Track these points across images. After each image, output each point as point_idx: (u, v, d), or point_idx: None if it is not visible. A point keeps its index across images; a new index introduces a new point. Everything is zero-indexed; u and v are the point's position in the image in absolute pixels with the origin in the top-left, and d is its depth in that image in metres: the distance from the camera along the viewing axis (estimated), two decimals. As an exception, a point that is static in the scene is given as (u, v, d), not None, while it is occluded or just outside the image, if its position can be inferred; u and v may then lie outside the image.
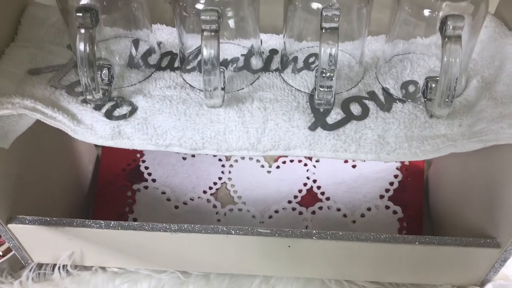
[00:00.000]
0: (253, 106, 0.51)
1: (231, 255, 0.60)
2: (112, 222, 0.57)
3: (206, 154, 0.82)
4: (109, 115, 0.50)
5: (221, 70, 0.48)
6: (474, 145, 0.46)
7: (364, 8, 0.49)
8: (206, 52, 0.45)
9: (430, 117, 0.48)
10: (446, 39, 0.43)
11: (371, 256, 0.58)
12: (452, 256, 0.56)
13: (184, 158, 0.82)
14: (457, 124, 0.48)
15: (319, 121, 0.49)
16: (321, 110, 0.50)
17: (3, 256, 0.63)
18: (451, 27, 0.43)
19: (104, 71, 0.50)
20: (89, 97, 0.48)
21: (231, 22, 0.52)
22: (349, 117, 0.50)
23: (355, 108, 0.50)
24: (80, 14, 0.45)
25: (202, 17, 0.45)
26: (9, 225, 0.57)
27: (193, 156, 0.83)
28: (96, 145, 0.80)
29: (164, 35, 0.59)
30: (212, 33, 0.45)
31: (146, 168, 0.80)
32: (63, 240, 0.59)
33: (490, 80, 0.51)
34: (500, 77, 0.50)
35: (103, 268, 0.64)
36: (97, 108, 0.51)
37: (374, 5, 0.50)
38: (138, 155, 0.81)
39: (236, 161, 0.82)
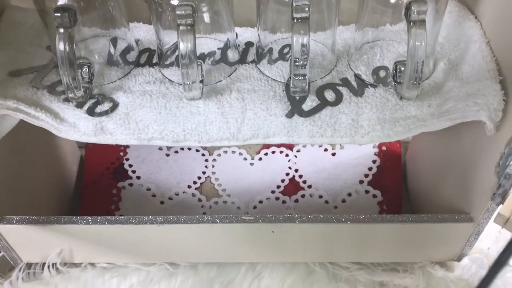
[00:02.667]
0: (231, 97, 0.52)
1: (217, 244, 0.62)
2: (99, 218, 0.58)
3: (189, 149, 0.84)
4: (91, 112, 0.51)
5: (199, 63, 0.50)
6: (443, 123, 0.49)
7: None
8: (183, 46, 0.47)
9: (400, 99, 0.51)
10: (411, 24, 0.46)
11: (352, 237, 0.60)
12: (429, 233, 0.59)
13: (168, 155, 0.83)
14: (426, 105, 0.51)
15: (295, 108, 0.51)
16: (297, 98, 0.52)
17: (-8, 257, 0.64)
18: (415, 12, 0.45)
19: (84, 69, 0.52)
20: (70, 95, 0.50)
21: (206, 17, 0.53)
22: (324, 103, 0.52)
23: (329, 95, 0.52)
24: (59, 14, 0.46)
25: (177, 12, 0.46)
26: (-3, 226, 0.58)
27: (176, 152, 0.84)
28: (79, 146, 0.81)
29: (141, 33, 0.60)
30: (188, 28, 0.47)
31: (130, 165, 0.81)
32: (51, 239, 0.60)
33: (456, 62, 0.53)
34: (466, 59, 0.53)
35: (92, 264, 0.65)
36: (79, 105, 0.52)
37: None
38: (122, 154, 0.82)
39: (219, 155, 0.84)
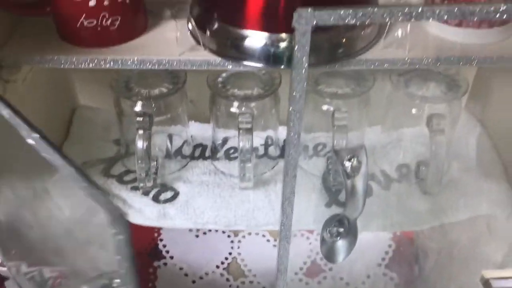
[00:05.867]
0: (277, 187, 0.61)
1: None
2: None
3: (216, 231, 0.91)
4: (156, 199, 0.59)
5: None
6: (458, 216, 0.57)
7: (364, 108, 0.61)
8: (242, 145, 0.56)
9: (424, 194, 0.59)
10: (433, 133, 0.55)
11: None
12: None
13: (197, 236, 0.90)
14: (444, 198, 0.59)
15: (333, 199, 0.60)
16: (334, 190, 0.60)
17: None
18: (435, 124, 0.55)
19: (153, 164, 0.60)
20: (142, 185, 0.58)
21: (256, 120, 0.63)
22: (357, 195, 0.60)
23: (361, 188, 0.61)
24: (141, 119, 0.55)
25: (240, 118, 0.55)
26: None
27: (204, 233, 0.91)
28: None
29: (193, 129, 0.69)
30: (247, 130, 0.56)
31: (164, 246, 0.87)
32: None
33: (467, 162, 0.63)
34: (475, 160, 0.62)
35: None
36: (145, 194, 0.60)
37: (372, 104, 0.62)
38: (156, 235, 0.88)
39: (243, 236, 0.90)
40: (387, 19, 0.28)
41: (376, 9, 0.30)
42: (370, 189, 0.61)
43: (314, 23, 0.31)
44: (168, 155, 0.65)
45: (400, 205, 0.59)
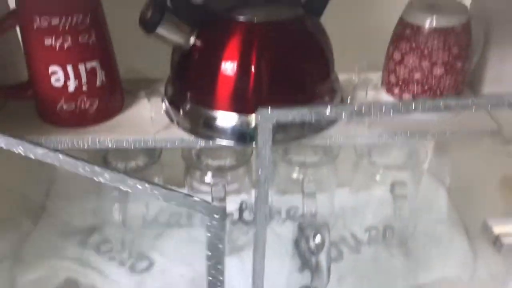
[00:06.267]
0: (251, 253, 0.63)
1: None
2: None
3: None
4: (132, 269, 0.60)
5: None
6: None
7: (332, 175, 0.65)
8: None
9: (391, 257, 0.62)
10: (396, 199, 0.59)
11: None
12: None
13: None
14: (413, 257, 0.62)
15: (305, 264, 0.62)
16: (306, 254, 0.63)
17: None
18: (397, 190, 0.59)
19: (129, 233, 0.62)
20: (118, 255, 0.59)
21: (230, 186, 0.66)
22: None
23: (332, 252, 0.63)
24: (117, 192, 0.57)
25: (213, 188, 0.58)
26: None
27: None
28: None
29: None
30: (221, 200, 0.59)
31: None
32: None
33: (431, 222, 0.66)
34: (436, 219, 0.66)
35: None
36: (121, 264, 0.61)
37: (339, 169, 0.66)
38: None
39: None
40: (338, 117, 0.31)
41: (328, 108, 0.34)
42: (340, 254, 0.63)
43: (275, 121, 0.35)
44: (144, 224, 0.66)
45: (370, 268, 0.61)
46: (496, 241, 0.46)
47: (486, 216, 0.48)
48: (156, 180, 0.64)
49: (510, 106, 0.34)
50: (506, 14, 0.53)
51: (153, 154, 0.61)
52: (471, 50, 0.53)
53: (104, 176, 0.32)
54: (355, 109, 0.34)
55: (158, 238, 0.65)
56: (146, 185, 0.32)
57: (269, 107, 0.34)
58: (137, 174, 0.60)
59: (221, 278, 0.35)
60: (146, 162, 0.61)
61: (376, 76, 0.59)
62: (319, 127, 0.52)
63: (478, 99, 0.37)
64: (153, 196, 0.32)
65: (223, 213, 0.33)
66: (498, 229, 0.47)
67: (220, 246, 0.33)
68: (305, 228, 0.44)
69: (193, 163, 0.61)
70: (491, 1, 0.56)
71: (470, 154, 0.62)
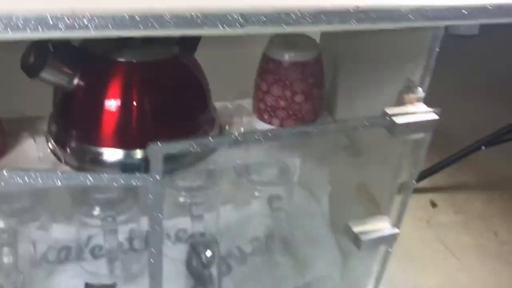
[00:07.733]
0: (145, 280, 0.65)
1: None
2: None
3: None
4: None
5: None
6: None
7: (216, 197, 0.70)
8: (108, 245, 0.60)
9: (275, 263, 0.69)
10: (272, 211, 0.66)
11: None
12: None
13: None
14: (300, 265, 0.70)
15: (198, 282, 0.66)
16: (198, 273, 0.67)
17: None
18: (274, 203, 0.66)
19: (20, 276, 0.61)
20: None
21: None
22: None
23: (222, 266, 0.69)
24: (5, 235, 0.57)
25: (103, 223, 0.60)
26: None
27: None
28: None
29: (57, 232, 0.71)
30: (111, 231, 0.61)
31: None
32: None
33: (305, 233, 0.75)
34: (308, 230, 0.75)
35: None
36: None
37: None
38: None
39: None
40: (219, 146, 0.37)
41: (210, 139, 0.40)
42: (229, 267, 0.69)
43: (165, 153, 0.39)
44: (33, 263, 0.66)
45: (259, 275, 0.68)
46: (355, 239, 0.55)
47: (349, 218, 0.57)
48: (43, 217, 0.65)
49: (355, 129, 0.43)
50: (350, 48, 0.64)
51: (39, 194, 0.61)
52: (324, 79, 0.63)
53: None
54: (233, 139, 0.40)
55: (50, 277, 0.65)
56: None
57: (159, 142, 0.39)
58: (24, 215, 0.60)
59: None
60: (31, 202, 0.61)
61: (247, 102, 0.66)
62: (203, 154, 0.58)
63: (333, 124, 0.45)
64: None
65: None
66: (357, 228, 0.56)
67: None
68: (197, 246, 0.49)
69: (80, 198, 0.63)
70: (335, 39, 0.66)
71: (332, 166, 0.72)
